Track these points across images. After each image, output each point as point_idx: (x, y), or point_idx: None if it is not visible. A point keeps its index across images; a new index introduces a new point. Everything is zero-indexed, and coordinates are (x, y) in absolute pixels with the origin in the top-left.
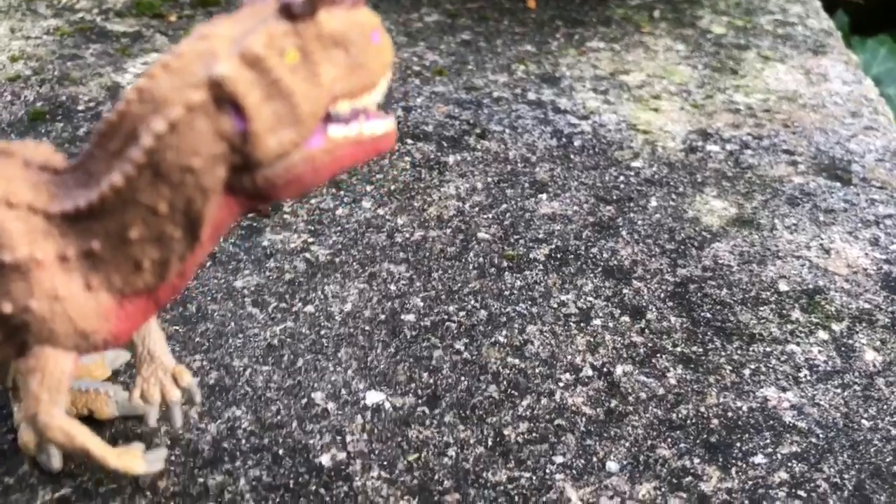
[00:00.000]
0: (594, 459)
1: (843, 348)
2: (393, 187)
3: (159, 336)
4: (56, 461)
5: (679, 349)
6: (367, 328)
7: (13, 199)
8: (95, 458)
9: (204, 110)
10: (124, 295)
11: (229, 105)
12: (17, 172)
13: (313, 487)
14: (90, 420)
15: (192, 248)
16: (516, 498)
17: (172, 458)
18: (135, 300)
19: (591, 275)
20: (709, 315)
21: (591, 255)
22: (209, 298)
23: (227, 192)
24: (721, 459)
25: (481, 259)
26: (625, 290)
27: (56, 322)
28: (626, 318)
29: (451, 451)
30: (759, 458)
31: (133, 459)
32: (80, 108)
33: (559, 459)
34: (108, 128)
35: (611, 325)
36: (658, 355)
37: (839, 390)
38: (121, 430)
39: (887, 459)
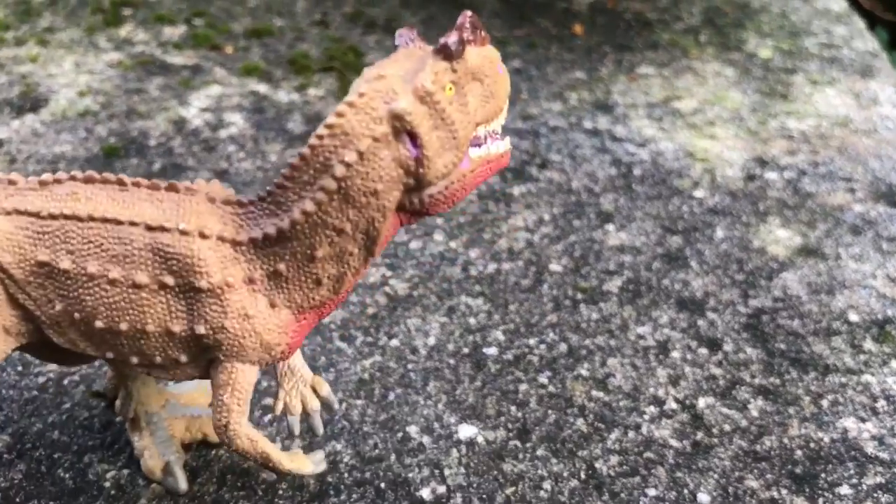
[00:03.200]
0: (685, 492)
1: None
2: (462, 220)
3: (297, 351)
4: (182, 482)
5: (757, 381)
6: (451, 361)
7: (206, 231)
8: (273, 461)
9: (386, 141)
10: (301, 310)
11: (406, 135)
12: (204, 207)
13: None
14: (203, 443)
15: (365, 263)
16: None
17: (280, 491)
18: (308, 314)
19: (665, 306)
20: (783, 346)
21: (663, 287)
22: None
23: (396, 210)
24: (808, 490)
25: (555, 291)
26: (699, 322)
27: (246, 339)
28: (703, 350)
29: (547, 485)
30: (845, 489)
31: (302, 462)
32: (152, 143)
33: (652, 492)
34: (300, 161)
35: (689, 357)
36: (737, 387)
37: None
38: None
39: None
